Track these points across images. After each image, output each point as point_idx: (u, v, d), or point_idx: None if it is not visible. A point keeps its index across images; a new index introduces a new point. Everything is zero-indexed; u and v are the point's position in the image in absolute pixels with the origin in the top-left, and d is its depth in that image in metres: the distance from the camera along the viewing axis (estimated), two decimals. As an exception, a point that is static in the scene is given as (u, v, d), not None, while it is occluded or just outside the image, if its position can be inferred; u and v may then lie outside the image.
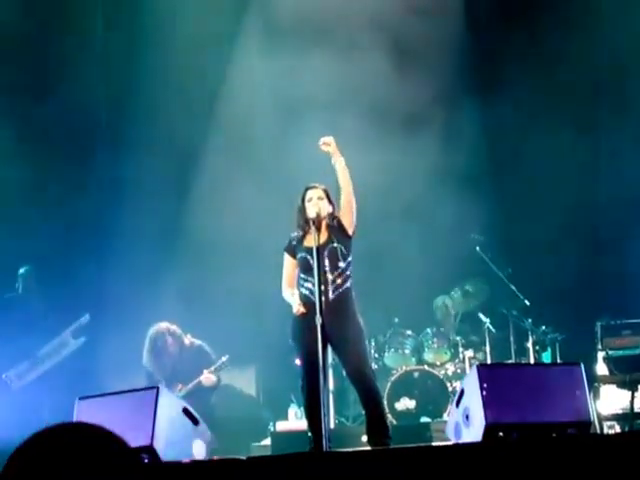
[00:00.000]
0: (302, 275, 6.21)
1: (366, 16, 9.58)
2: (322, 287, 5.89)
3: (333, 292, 6.09)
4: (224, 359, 8.12)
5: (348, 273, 6.21)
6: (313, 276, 5.93)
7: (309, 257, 6.08)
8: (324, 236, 6.24)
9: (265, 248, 8.46)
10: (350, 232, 6.32)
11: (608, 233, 9.45)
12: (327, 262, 6.12)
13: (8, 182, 9.21)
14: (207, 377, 8.07)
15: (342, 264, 6.16)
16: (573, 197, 9.53)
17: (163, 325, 8.22)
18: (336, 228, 6.30)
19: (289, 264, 6.36)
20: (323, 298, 5.86)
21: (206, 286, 9.52)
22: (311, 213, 6.18)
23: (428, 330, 9.65)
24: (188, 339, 8.28)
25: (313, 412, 5.93)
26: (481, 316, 9.43)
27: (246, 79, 9.92)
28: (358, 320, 6.17)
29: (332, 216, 6.34)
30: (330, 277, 6.10)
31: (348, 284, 6.18)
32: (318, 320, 5.75)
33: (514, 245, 9.60)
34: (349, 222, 6.31)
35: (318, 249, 5.95)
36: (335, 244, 6.19)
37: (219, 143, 9.88)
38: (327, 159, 6.40)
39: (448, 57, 9.73)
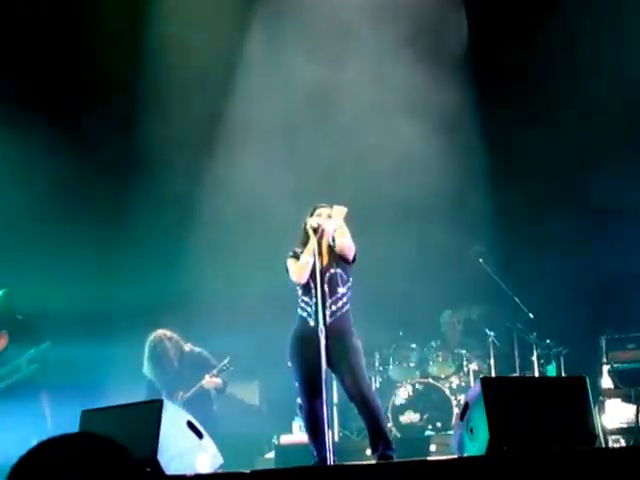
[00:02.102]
0: (301, 297, 6.19)
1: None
2: (323, 304, 5.94)
3: (330, 316, 6.04)
4: (225, 361, 8.13)
5: (346, 299, 6.18)
6: (312, 297, 5.99)
7: (308, 265, 6.06)
8: (325, 259, 6.23)
9: (269, 261, 8.48)
10: (350, 259, 6.30)
11: (612, 244, 9.42)
12: (326, 287, 6.08)
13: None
14: (209, 381, 8.09)
15: (341, 289, 6.14)
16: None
17: (161, 332, 8.24)
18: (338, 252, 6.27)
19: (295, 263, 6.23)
20: (321, 320, 5.90)
21: (211, 298, 9.50)
22: (313, 223, 6.17)
23: (432, 343, 9.64)
24: (188, 346, 8.31)
25: (314, 431, 5.93)
26: (486, 329, 9.42)
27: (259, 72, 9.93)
28: (355, 342, 6.14)
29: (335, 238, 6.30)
30: (328, 302, 6.07)
31: (346, 308, 6.16)
32: (321, 332, 5.81)
33: (517, 258, 9.59)
34: (347, 258, 6.29)
35: (320, 271, 5.97)
36: (335, 269, 6.18)
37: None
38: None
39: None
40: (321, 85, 9.37)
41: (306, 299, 6.11)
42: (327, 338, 5.87)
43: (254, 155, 9.62)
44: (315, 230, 6.07)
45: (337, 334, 6.01)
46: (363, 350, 6.19)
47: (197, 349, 8.33)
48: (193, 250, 9.80)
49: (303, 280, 6.09)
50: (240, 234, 9.54)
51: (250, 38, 9.92)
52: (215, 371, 8.11)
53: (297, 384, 6.12)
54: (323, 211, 6.32)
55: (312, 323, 5.99)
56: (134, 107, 9.76)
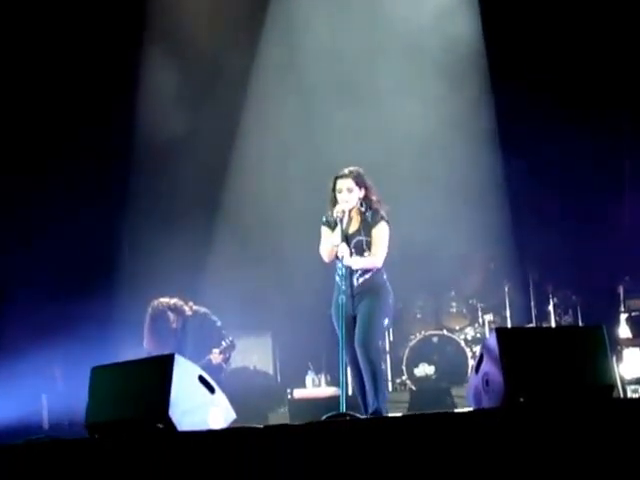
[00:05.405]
0: (337, 262, 6.34)
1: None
2: (350, 272, 6.20)
3: (358, 279, 6.22)
4: (229, 340, 7.93)
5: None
6: (341, 264, 6.23)
7: (335, 248, 6.22)
8: (354, 226, 6.34)
9: (285, 217, 8.44)
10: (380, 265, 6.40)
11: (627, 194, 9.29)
12: (354, 251, 6.23)
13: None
14: (216, 357, 7.87)
15: (368, 254, 6.25)
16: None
17: (163, 301, 8.00)
18: (368, 217, 6.32)
19: (328, 235, 6.36)
20: (349, 283, 6.21)
21: (226, 252, 9.44)
22: (339, 207, 6.25)
23: (447, 294, 9.55)
24: (190, 308, 8.07)
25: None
26: (501, 280, 9.32)
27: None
28: (384, 302, 6.27)
29: (365, 200, 6.35)
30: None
31: (374, 271, 6.26)
32: (341, 300, 6.10)
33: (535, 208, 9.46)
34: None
35: (347, 237, 6.21)
36: (362, 237, 6.28)
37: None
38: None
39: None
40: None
41: (338, 264, 6.29)
42: (357, 296, 6.19)
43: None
44: (342, 217, 6.22)
45: (367, 292, 6.22)
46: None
47: (202, 310, 8.09)
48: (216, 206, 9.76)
49: (328, 261, 6.34)
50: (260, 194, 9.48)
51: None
52: (218, 351, 7.91)
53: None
54: (343, 184, 6.30)
55: (344, 287, 6.20)
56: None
